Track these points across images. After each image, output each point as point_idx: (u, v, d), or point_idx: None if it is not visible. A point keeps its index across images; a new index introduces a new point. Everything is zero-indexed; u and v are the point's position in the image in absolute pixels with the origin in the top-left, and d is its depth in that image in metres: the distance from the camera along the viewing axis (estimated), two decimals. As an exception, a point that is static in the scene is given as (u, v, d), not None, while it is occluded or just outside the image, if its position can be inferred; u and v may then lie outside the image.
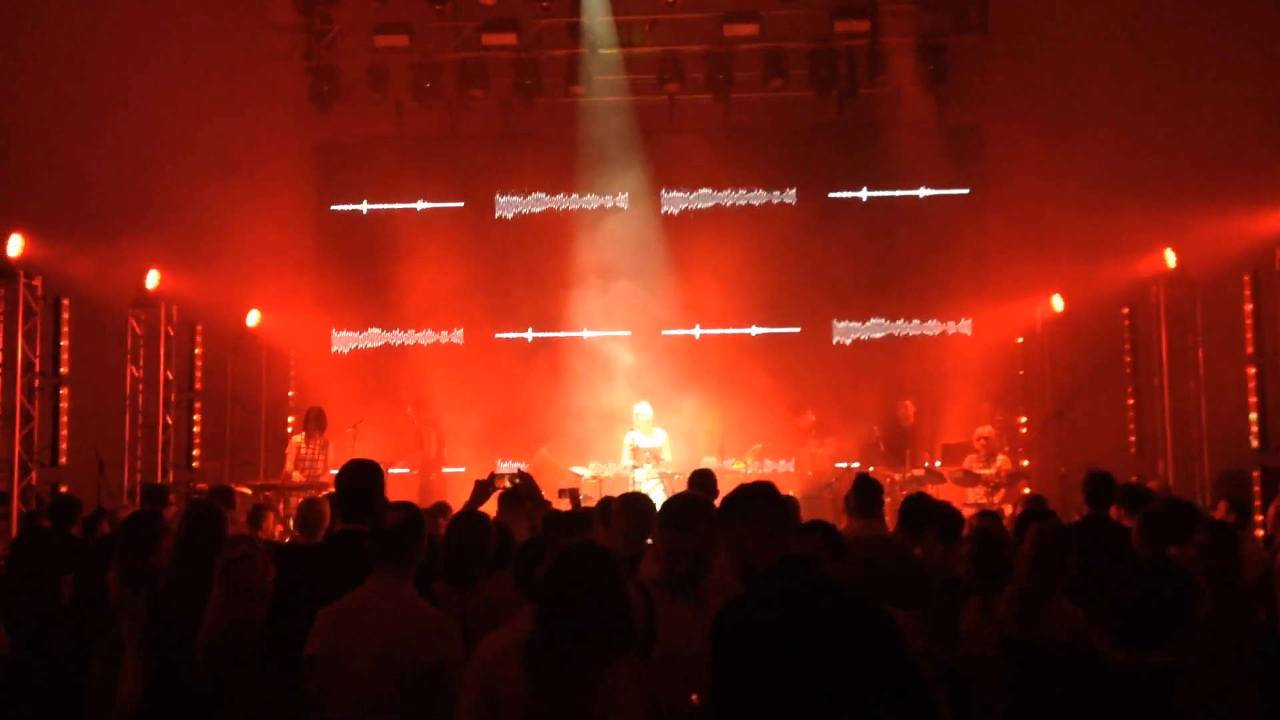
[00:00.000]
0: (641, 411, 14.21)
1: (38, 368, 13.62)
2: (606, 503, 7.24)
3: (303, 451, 13.85)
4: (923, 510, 7.61)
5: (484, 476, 7.89)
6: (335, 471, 5.86)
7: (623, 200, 16.84)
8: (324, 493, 10.60)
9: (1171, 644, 6.15)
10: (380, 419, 15.11)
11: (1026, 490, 13.81)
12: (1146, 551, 6.76)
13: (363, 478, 5.21)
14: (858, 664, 3.67)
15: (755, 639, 3.69)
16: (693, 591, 4.55)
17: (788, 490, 9.47)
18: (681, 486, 9.34)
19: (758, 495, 4.07)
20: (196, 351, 15.96)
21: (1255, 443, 13.14)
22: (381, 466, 5.38)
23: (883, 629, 3.78)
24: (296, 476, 13.62)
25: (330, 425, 14.16)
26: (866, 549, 6.49)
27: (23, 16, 14.93)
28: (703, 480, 8.09)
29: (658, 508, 5.47)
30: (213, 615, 5.66)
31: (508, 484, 7.93)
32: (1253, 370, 13.27)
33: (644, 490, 12.23)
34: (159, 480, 14.44)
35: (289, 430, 15.87)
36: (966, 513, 9.21)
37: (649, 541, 6.18)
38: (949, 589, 6.71)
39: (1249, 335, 13.32)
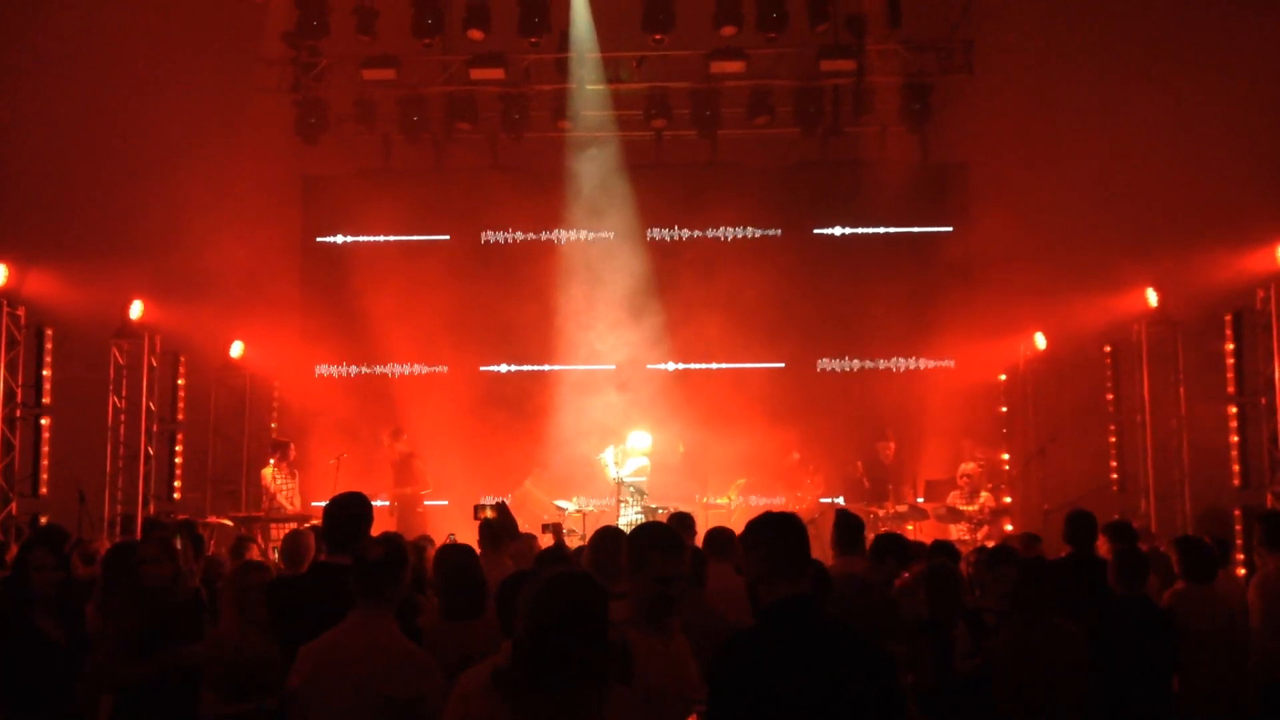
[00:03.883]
0: (638, 441, 14.14)
1: (19, 397, 13.56)
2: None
3: (279, 482, 13.95)
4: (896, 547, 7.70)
5: (467, 509, 7.91)
6: (317, 503, 5.90)
7: (609, 235, 16.85)
8: (308, 524, 10.61)
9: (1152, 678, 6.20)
10: (364, 451, 15.08)
11: (1009, 528, 13.87)
12: (1123, 590, 6.77)
13: (352, 510, 5.21)
14: (854, 703, 3.70)
15: (757, 674, 3.72)
16: (665, 625, 4.53)
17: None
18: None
19: (765, 529, 4.07)
20: (179, 382, 15.90)
21: (1237, 481, 13.19)
22: (369, 499, 5.39)
23: (879, 670, 3.81)
24: (289, 507, 13.68)
25: (312, 457, 14.17)
26: (840, 586, 6.57)
27: (8, 47, 14.94)
28: (682, 521, 8.09)
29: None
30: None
31: (489, 514, 7.94)
32: (1234, 409, 13.33)
33: (629, 525, 12.20)
34: (140, 512, 14.38)
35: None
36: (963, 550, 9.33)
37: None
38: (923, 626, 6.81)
39: (1230, 375, 13.39)
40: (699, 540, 7.49)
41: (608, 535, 6.15)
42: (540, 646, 3.74)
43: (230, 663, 5.65)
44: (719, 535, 7.21)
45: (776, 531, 4.02)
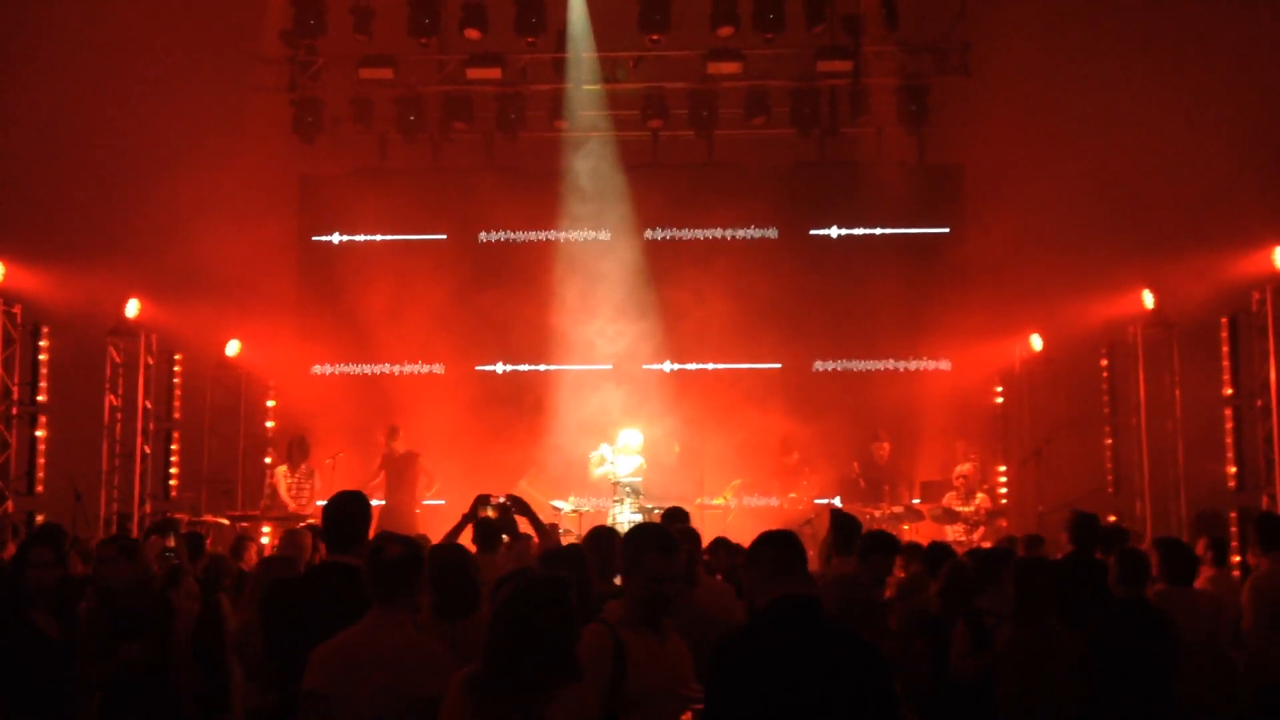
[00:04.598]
0: (630, 439, 14.13)
1: (15, 395, 13.55)
2: None
3: (289, 480, 13.92)
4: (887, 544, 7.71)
5: (463, 509, 7.88)
6: (321, 502, 5.90)
7: (605, 235, 16.84)
8: (304, 523, 10.58)
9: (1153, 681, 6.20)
10: (360, 451, 15.06)
11: (1004, 524, 13.91)
12: (1124, 592, 6.76)
13: (351, 509, 5.20)
14: (849, 703, 3.71)
15: (753, 671, 3.74)
16: (660, 626, 4.53)
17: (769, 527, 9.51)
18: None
19: (766, 539, 4.20)
20: (175, 381, 15.87)
21: (1232, 484, 13.22)
22: (367, 498, 5.38)
23: (876, 670, 3.82)
24: (293, 506, 13.65)
25: (310, 455, 14.16)
26: (834, 587, 6.56)
27: (4, 46, 14.91)
28: (674, 516, 8.08)
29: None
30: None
31: (489, 513, 7.90)
32: (1230, 411, 13.36)
33: (625, 524, 12.19)
34: (136, 510, 14.37)
35: (268, 460, 15.82)
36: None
37: (616, 581, 6.16)
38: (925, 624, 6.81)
39: (1226, 377, 13.43)
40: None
41: (602, 535, 6.16)
42: (500, 652, 3.83)
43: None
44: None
45: (782, 541, 4.17)
